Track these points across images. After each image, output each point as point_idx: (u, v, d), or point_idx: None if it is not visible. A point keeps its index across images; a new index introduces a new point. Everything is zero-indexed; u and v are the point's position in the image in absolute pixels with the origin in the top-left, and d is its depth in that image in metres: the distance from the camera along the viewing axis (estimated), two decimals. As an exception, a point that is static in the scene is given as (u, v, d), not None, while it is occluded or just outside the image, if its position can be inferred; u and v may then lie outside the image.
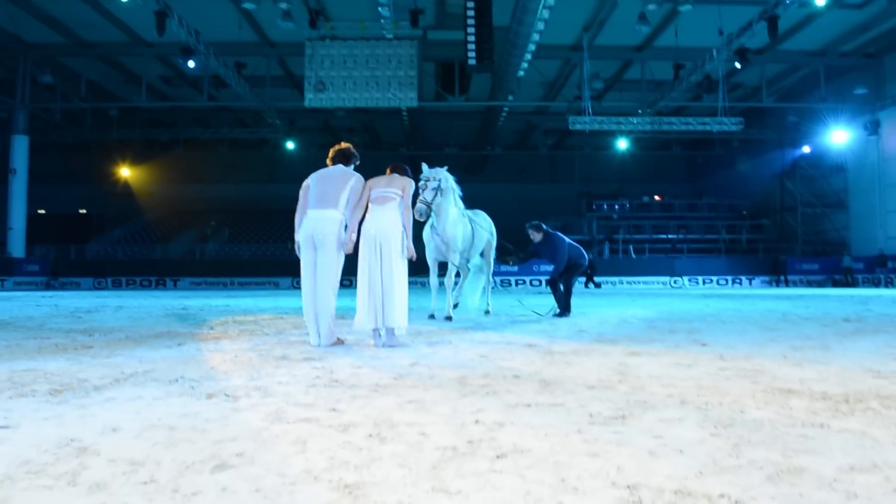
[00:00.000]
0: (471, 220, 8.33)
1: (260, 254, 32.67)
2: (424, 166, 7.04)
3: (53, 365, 3.86)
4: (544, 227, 8.52)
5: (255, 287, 29.09)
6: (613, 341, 5.32)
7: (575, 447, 2.04)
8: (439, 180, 7.06)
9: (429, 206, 6.90)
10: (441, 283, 8.14)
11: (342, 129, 35.73)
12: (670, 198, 37.02)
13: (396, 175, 5.22)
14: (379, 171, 5.32)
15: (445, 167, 7.41)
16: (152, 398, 2.83)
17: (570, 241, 8.47)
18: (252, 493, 1.63)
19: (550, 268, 8.55)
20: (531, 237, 8.49)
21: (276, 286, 29.49)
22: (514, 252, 9.07)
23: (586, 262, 8.64)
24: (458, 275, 8.70)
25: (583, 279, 26.51)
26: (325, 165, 5.31)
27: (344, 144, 5.42)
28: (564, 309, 8.37)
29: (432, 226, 7.69)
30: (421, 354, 4.45)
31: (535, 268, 28.68)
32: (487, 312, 9.11)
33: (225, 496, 1.61)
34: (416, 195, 6.01)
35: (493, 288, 9.72)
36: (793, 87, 29.25)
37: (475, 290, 9.32)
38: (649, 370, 3.64)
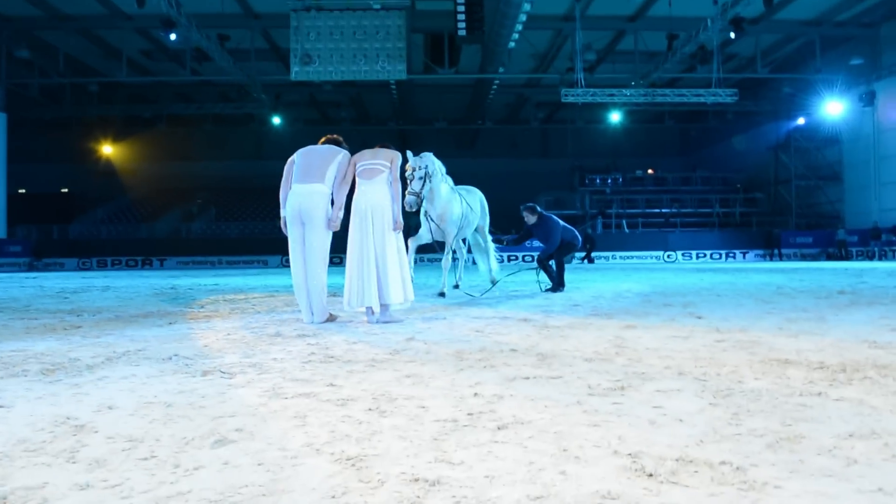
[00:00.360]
0: (461, 197, 8.33)
1: (248, 232, 32.52)
2: (409, 154, 7.02)
3: (43, 345, 3.86)
4: (539, 209, 8.61)
5: (243, 266, 28.98)
6: (609, 315, 5.37)
7: (575, 418, 2.07)
8: (426, 167, 7.03)
9: (418, 195, 6.90)
10: (438, 261, 8.19)
11: (329, 103, 35.38)
12: (663, 171, 37.05)
13: (382, 148, 5.20)
14: (367, 146, 5.30)
15: (431, 153, 7.38)
16: (146, 376, 2.84)
17: (565, 225, 8.58)
18: (254, 466, 1.65)
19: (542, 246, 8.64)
20: (525, 219, 8.59)
21: (265, 264, 29.41)
22: (495, 232, 9.18)
23: (580, 244, 8.82)
24: (454, 256, 8.73)
25: (581, 254, 26.76)
26: (313, 142, 5.31)
27: (334, 136, 5.47)
28: (558, 284, 8.46)
29: (425, 212, 7.69)
30: (416, 330, 4.48)
31: (527, 244, 28.79)
32: (494, 282, 9.21)
33: (227, 470, 1.62)
34: (402, 177, 5.98)
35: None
36: (788, 58, 29.17)
37: (489, 260, 9.39)
38: (646, 343, 3.69)
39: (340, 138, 5.42)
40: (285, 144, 5.81)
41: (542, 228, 8.49)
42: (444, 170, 7.72)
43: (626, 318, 5.13)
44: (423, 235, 7.91)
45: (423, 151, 7.24)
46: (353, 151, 5.26)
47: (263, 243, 29.80)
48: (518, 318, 5.17)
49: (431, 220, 7.69)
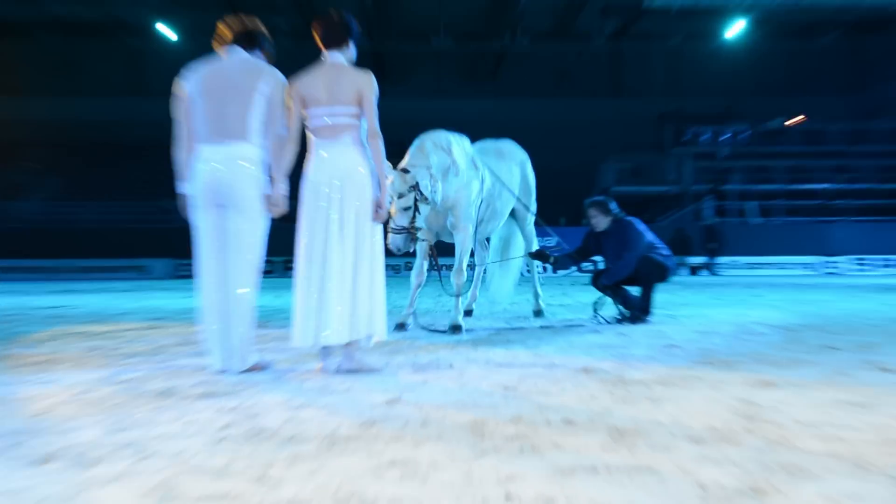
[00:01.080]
0: (487, 167, 8.28)
1: (115, 218, 32.47)
2: (386, 167, 7.05)
3: None
4: (614, 207, 8.55)
5: (107, 275, 29.07)
6: (729, 363, 5.37)
7: (681, 541, 2.06)
8: (415, 186, 7.08)
9: (410, 231, 7.08)
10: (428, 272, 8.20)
11: (256, 5, 35.39)
12: (819, 120, 36.89)
13: (339, 64, 5.11)
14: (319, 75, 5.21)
15: (428, 142, 7.49)
16: (-56, 462, 2.84)
17: (653, 238, 8.54)
18: None
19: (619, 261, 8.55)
20: (593, 222, 8.55)
21: (144, 272, 29.43)
22: (541, 224, 9.23)
23: (674, 268, 8.81)
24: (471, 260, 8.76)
25: (698, 259, 27.09)
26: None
27: (245, 20, 5.31)
28: (641, 310, 8.44)
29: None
30: (403, 385, 4.49)
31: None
32: (538, 313, 9.31)
33: None
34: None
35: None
36: None
37: (510, 272, 9.49)
38: (795, 412, 3.68)
39: (256, 28, 5.28)
40: (178, 72, 5.63)
41: (616, 239, 8.45)
42: (450, 147, 7.68)
43: (760, 368, 5.11)
44: (422, 263, 8.01)
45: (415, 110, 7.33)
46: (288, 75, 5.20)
47: (142, 238, 29.82)
48: (574, 367, 5.16)
49: (433, 210, 7.74)
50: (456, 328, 7.66)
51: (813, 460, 2.83)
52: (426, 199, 7.18)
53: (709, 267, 27.70)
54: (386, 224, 5.97)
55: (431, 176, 7.31)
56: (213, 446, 3.07)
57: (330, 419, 3.57)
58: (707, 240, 28.07)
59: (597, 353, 5.97)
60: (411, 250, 7.35)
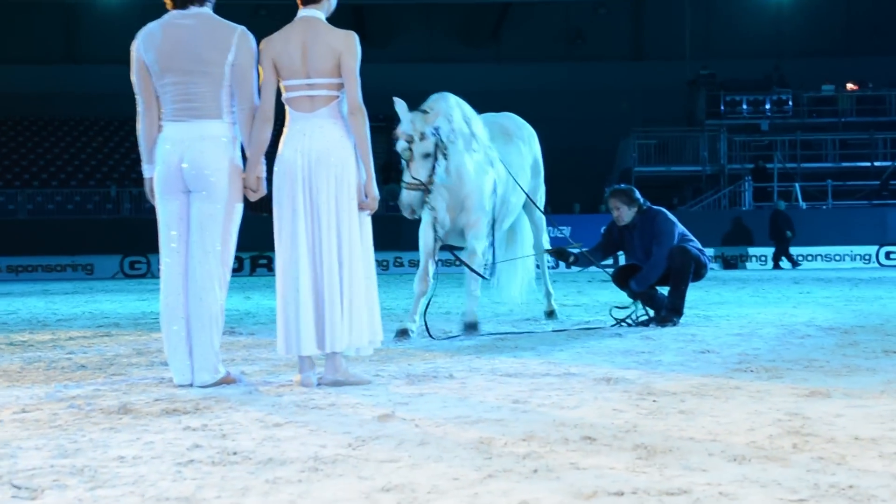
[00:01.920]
0: (498, 155, 8.27)
1: (51, 209, 32.26)
2: (399, 105, 7.02)
3: None
4: (639, 197, 8.54)
5: (45, 276, 28.95)
6: (773, 371, 5.40)
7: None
8: (436, 130, 7.05)
9: (425, 188, 7.03)
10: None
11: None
12: (879, 87, 36.67)
13: (316, 21, 5.10)
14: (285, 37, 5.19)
15: (446, 94, 7.48)
16: None
17: (683, 230, 8.56)
18: None
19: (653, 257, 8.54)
20: (616, 214, 8.55)
21: (90, 273, 29.23)
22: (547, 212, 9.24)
23: (709, 265, 8.84)
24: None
25: (760, 250, 27.16)
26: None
27: None
28: (671, 310, 8.44)
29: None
30: (396, 399, 4.51)
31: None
32: (551, 314, 9.44)
33: None
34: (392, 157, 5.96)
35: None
36: None
37: (521, 272, 9.50)
38: (851, 426, 3.70)
39: None
40: (122, 36, 5.53)
41: (644, 233, 8.45)
42: (470, 120, 7.66)
43: (809, 376, 5.14)
44: (430, 232, 7.90)
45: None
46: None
47: (85, 231, 29.51)
48: (594, 377, 5.19)
49: (445, 191, 7.67)
50: (471, 326, 7.78)
51: (873, 482, 2.80)
52: (445, 148, 7.16)
53: (784, 258, 27.61)
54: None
55: (452, 130, 7.29)
56: (177, 471, 3.06)
57: (312, 439, 3.60)
58: (779, 227, 27.62)
59: (619, 361, 6.01)
60: (417, 217, 7.35)
